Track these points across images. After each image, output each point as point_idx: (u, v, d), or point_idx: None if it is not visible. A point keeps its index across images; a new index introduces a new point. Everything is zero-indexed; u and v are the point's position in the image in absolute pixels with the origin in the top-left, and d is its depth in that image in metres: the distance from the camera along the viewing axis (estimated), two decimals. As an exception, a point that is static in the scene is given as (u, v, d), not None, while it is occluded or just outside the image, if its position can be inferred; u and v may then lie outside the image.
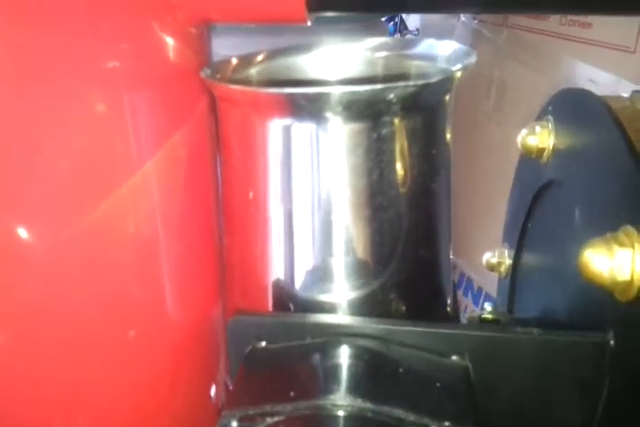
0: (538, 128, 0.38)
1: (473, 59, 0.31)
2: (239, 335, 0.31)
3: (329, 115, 0.29)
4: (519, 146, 0.39)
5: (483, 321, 0.38)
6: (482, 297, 0.79)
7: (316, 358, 0.30)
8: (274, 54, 0.36)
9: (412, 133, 0.31)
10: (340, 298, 0.32)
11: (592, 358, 0.29)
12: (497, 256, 0.48)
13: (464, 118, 0.90)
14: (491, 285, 0.79)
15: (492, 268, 0.48)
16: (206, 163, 0.34)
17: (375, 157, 0.30)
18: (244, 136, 0.31)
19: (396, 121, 0.30)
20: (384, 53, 0.37)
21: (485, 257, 0.48)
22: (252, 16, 0.32)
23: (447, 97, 0.32)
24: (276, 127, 0.30)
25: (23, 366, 0.31)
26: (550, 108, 0.38)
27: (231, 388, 0.30)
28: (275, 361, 0.30)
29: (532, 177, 0.41)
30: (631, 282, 0.25)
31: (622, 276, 0.25)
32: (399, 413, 0.26)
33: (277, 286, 0.33)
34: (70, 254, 0.29)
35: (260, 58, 0.36)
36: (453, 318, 0.36)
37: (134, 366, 0.33)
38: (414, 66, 0.36)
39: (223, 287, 0.36)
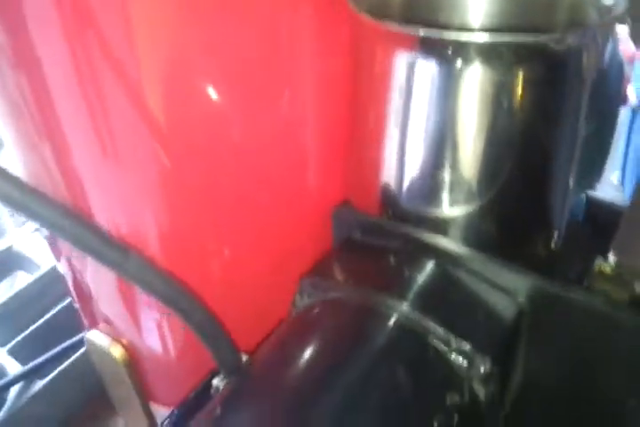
0: None
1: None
2: (341, 223, 0.38)
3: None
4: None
5: (600, 273, 0.37)
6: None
7: (395, 262, 0.36)
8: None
9: (532, 80, 0.30)
10: (441, 215, 0.35)
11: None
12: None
13: None
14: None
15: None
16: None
17: (490, 95, 0.31)
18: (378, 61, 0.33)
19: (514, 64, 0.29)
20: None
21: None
22: None
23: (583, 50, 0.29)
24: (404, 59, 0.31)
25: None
26: None
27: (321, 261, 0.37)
28: (363, 254, 0.37)
29: None
30: None
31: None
32: (435, 327, 0.32)
33: (387, 188, 0.37)
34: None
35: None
36: (553, 256, 0.37)
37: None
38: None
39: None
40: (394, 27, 0.29)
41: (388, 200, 0.37)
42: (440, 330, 0.32)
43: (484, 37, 0.28)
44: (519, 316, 0.33)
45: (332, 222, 0.38)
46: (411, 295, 0.33)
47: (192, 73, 0.31)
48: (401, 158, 0.35)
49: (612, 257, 0.38)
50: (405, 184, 0.35)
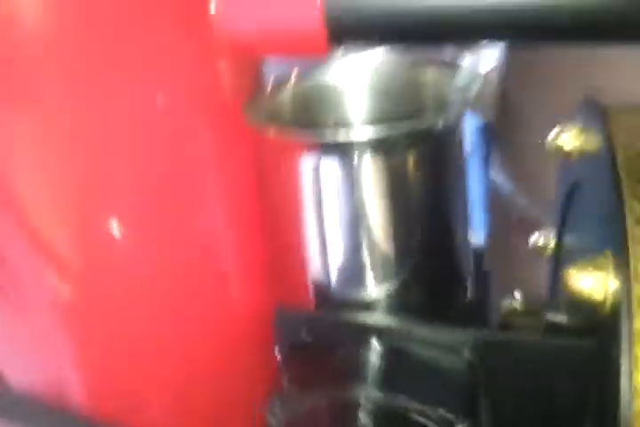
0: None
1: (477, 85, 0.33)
2: (284, 326, 0.38)
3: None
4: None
5: (512, 311, 0.40)
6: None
7: (348, 353, 0.36)
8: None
9: (425, 161, 0.35)
10: (372, 295, 0.38)
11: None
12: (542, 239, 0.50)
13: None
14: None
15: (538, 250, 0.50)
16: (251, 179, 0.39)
17: (392, 182, 0.35)
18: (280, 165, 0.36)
19: (409, 151, 0.34)
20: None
21: (532, 238, 0.50)
22: (274, 49, 0.34)
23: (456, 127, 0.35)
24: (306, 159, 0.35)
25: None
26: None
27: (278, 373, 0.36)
28: (313, 352, 0.37)
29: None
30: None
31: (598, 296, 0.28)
32: (409, 403, 0.32)
33: (316, 281, 0.39)
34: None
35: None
36: (475, 306, 0.41)
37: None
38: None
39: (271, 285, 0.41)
40: (283, 134, 0.34)
41: (321, 294, 0.38)
42: (415, 404, 0.32)
43: (368, 133, 0.32)
44: (470, 369, 0.34)
45: (273, 328, 0.37)
46: (374, 379, 0.34)
47: (92, 207, 0.32)
48: (322, 253, 0.37)
49: (517, 294, 0.41)
50: (332, 275, 0.38)
